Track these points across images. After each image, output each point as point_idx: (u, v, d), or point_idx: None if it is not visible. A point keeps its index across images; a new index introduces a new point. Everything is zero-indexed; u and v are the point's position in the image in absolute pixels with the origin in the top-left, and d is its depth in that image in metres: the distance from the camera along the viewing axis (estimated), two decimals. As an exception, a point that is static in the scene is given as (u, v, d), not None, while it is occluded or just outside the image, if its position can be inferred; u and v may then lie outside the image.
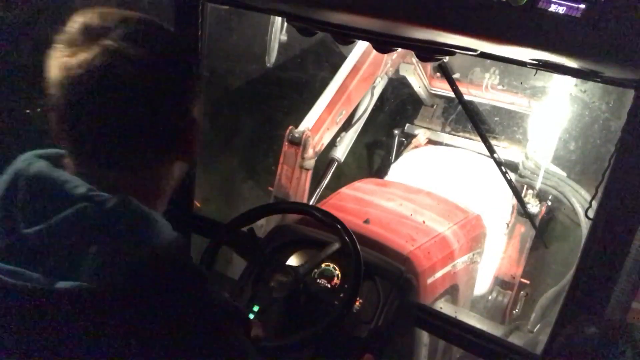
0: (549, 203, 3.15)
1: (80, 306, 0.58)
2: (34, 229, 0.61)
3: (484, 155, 3.19)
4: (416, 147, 3.95)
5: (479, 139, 2.66)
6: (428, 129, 4.11)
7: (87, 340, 0.58)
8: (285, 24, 2.40)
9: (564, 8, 0.80)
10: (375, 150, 4.68)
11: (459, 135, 3.98)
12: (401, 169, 3.56)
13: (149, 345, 0.60)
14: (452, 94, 3.41)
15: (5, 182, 0.65)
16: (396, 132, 4.10)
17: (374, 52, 2.86)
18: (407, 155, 3.79)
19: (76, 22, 0.66)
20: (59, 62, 0.65)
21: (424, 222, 2.35)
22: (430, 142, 4.04)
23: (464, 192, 2.93)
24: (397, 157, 3.98)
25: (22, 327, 0.59)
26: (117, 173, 0.69)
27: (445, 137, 3.99)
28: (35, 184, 0.64)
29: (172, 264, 0.64)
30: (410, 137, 4.08)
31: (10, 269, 0.59)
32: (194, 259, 0.72)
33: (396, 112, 4.63)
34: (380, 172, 4.28)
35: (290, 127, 2.56)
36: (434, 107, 4.44)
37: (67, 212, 0.61)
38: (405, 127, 4.19)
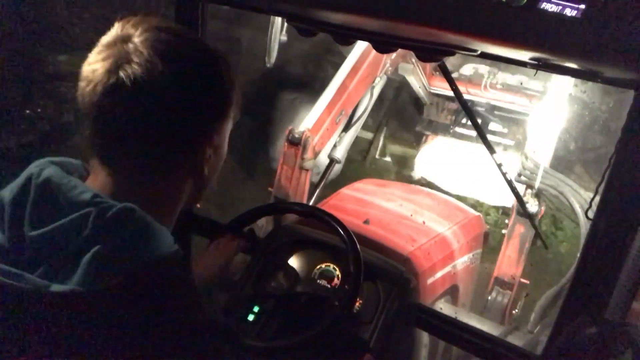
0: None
1: (70, 309, 0.59)
2: (38, 232, 0.63)
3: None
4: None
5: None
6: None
7: (74, 342, 0.59)
8: (285, 24, 2.40)
9: (564, 8, 0.80)
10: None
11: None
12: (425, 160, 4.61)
13: (134, 354, 0.60)
14: (451, 93, 3.43)
15: (17, 185, 0.67)
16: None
17: (373, 52, 2.86)
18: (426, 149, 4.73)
19: (111, 30, 0.70)
20: (90, 65, 0.68)
21: (423, 222, 2.35)
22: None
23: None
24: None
25: (15, 327, 0.60)
26: (132, 180, 0.71)
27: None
28: (44, 189, 0.66)
29: (166, 278, 0.65)
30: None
31: (9, 270, 0.61)
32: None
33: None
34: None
35: (290, 128, 2.55)
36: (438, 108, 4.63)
37: (70, 217, 0.63)
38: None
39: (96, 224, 0.62)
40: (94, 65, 0.67)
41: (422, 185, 4.60)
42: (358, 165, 5.36)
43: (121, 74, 0.65)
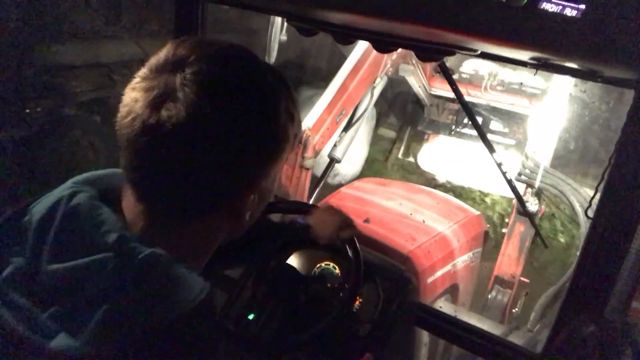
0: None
1: None
2: (55, 267, 0.58)
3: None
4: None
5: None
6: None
7: None
8: (285, 24, 2.40)
9: (565, 8, 0.81)
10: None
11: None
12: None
13: None
14: (451, 94, 3.44)
15: (45, 207, 0.62)
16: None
17: (374, 52, 2.87)
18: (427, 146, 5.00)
19: (162, 50, 0.63)
20: (133, 90, 0.62)
21: (423, 221, 2.35)
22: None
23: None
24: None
25: None
26: (165, 221, 0.65)
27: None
28: (70, 218, 0.61)
29: (188, 339, 0.59)
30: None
31: (21, 303, 0.57)
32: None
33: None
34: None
35: (290, 127, 2.55)
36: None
37: (91, 259, 0.58)
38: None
39: (117, 272, 0.57)
40: (137, 93, 0.60)
41: (447, 188, 4.64)
42: (379, 165, 5.26)
43: (163, 113, 0.58)
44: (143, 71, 0.62)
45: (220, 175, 0.62)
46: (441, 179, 4.94)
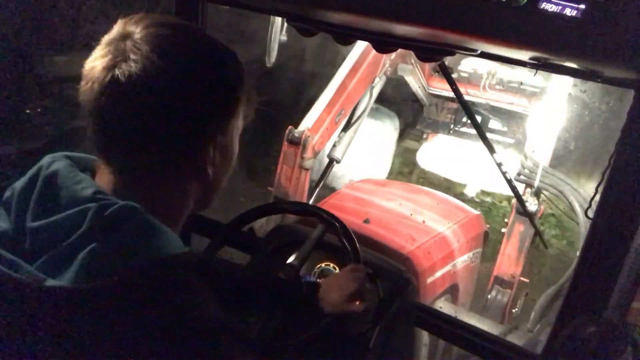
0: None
1: (64, 306, 0.58)
2: (37, 223, 0.64)
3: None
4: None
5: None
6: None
7: (66, 339, 0.58)
8: (285, 24, 2.39)
9: (564, 8, 0.81)
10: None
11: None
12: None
13: (128, 355, 0.58)
14: (450, 94, 3.45)
15: (28, 175, 0.68)
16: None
17: (373, 52, 2.87)
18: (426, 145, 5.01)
19: (113, 27, 0.69)
20: (89, 63, 0.67)
21: (423, 221, 2.35)
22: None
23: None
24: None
25: (9, 319, 0.60)
26: (134, 179, 0.70)
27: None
28: (50, 181, 0.66)
29: (171, 279, 0.62)
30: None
31: (10, 258, 0.61)
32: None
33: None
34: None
35: (290, 127, 2.56)
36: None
37: (72, 211, 0.63)
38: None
39: (94, 220, 0.61)
40: (93, 62, 0.67)
41: (476, 203, 4.59)
42: (404, 179, 5.13)
43: (117, 71, 0.64)
44: (99, 47, 0.68)
45: (176, 129, 0.67)
46: (471, 193, 4.82)
